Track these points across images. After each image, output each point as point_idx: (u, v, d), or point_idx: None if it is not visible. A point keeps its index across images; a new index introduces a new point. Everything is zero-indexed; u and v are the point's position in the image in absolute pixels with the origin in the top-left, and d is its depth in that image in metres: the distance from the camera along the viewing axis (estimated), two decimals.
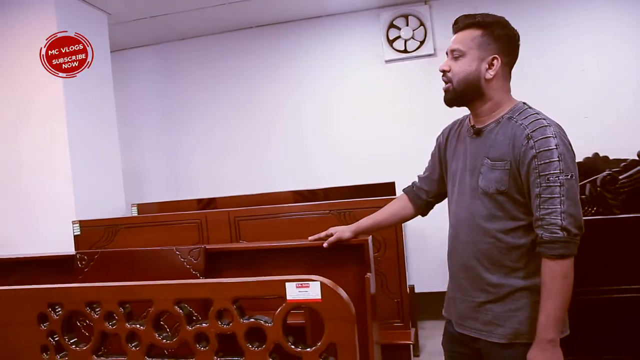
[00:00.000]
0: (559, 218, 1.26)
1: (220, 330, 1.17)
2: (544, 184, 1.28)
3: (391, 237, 2.22)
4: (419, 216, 1.72)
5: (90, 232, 2.58)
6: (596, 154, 3.57)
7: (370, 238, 1.71)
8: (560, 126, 1.36)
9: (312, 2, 3.92)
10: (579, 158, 3.61)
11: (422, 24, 4.03)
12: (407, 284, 3.49)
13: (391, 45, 4.08)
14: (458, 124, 1.58)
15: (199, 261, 1.82)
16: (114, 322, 1.23)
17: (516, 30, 1.45)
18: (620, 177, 2.25)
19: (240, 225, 2.36)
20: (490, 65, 1.40)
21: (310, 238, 1.70)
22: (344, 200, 2.29)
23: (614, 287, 1.90)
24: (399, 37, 4.07)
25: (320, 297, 1.13)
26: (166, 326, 1.36)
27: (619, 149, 3.49)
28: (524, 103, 1.45)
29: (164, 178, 4.46)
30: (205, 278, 1.80)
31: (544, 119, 1.35)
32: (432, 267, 3.96)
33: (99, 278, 1.81)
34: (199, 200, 3.32)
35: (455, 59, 1.43)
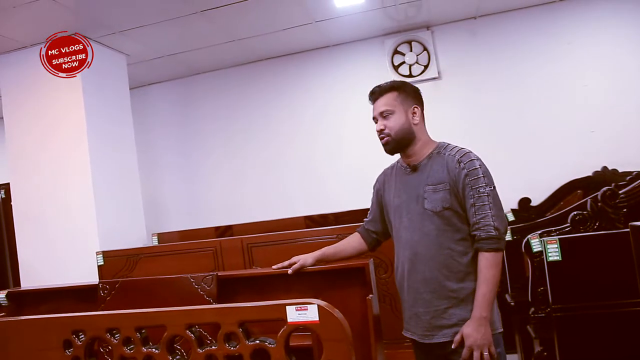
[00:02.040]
0: (491, 220, 1.60)
1: (228, 352, 1.26)
2: (476, 195, 1.62)
3: None
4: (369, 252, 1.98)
5: (113, 261, 2.72)
6: (605, 168, 3.61)
7: (371, 261, 1.80)
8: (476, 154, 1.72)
9: (318, 33, 4.09)
10: (588, 172, 3.69)
11: (425, 48, 4.16)
12: None
13: (396, 71, 4.21)
14: (389, 170, 1.92)
15: (211, 288, 1.93)
16: (132, 346, 1.34)
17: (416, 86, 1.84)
18: (620, 191, 2.29)
19: (252, 252, 2.47)
20: (414, 113, 1.77)
21: (273, 267, 1.87)
22: (349, 225, 2.39)
23: (606, 302, 1.95)
24: (403, 62, 4.21)
25: (317, 319, 1.21)
26: (182, 350, 1.46)
27: (627, 162, 3.52)
28: (443, 142, 1.80)
29: (183, 207, 4.64)
30: (218, 303, 1.91)
31: (465, 149, 1.72)
32: None
33: (120, 306, 1.93)
34: (217, 228, 3.45)
35: (386, 117, 1.76)
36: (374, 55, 4.30)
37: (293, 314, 1.28)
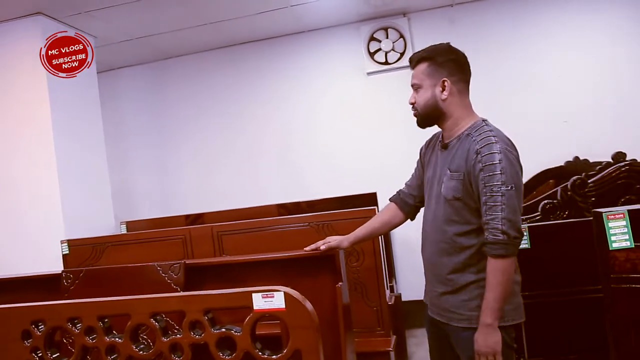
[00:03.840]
0: (500, 223, 1.47)
1: (193, 341, 1.23)
2: (489, 194, 1.48)
3: (369, 246, 2.29)
4: (409, 220, 1.90)
5: (79, 250, 2.64)
6: (577, 158, 3.68)
7: (342, 250, 1.79)
8: (509, 143, 1.56)
9: (293, 18, 4.02)
10: (560, 162, 3.75)
11: (401, 36, 4.14)
12: (395, 291, 3.58)
13: (372, 58, 4.19)
14: (435, 137, 1.80)
15: (179, 276, 1.89)
16: (94, 336, 1.29)
17: (460, 52, 1.68)
18: (589, 180, 2.33)
19: (222, 240, 2.43)
20: (443, 87, 1.62)
21: (306, 248, 1.81)
22: (321, 213, 2.37)
23: (567, 289, 1.98)
24: (379, 49, 4.19)
25: (284, 307, 1.19)
26: (148, 339, 1.42)
27: (599, 153, 3.58)
28: (484, 120, 1.65)
29: (153, 195, 4.55)
30: (185, 292, 1.87)
31: (493, 137, 1.54)
32: (420, 275, 4.01)
33: (85, 295, 1.87)
34: (187, 216, 3.39)
35: (417, 91, 1.66)
36: (350, 41, 4.26)
37: (259, 302, 1.26)
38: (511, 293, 1.55)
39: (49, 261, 2.94)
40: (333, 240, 1.79)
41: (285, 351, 1.18)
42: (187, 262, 1.89)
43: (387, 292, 2.93)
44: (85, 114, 3.58)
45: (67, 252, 2.65)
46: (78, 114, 3.51)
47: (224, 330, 1.22)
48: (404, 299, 3.93)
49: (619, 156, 2.97)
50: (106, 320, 1.31)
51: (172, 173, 4.56)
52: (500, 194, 1.46)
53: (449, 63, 1.63)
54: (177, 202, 4.38)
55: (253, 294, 1.22)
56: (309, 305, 1.19)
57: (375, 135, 4.22)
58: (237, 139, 4.46)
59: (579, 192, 2.33)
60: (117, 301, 1.31)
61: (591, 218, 2.14)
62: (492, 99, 3.96)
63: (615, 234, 1.58)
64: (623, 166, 2.35)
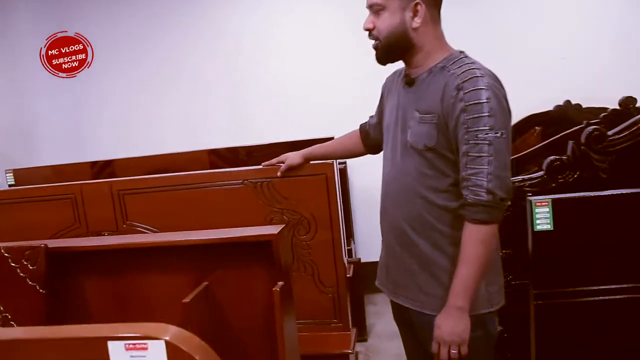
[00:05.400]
0: (485, 180, 1.17)
1: None
2: (472, 141, 1.18)
3: (324, 214, 1.69)
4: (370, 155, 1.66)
5: None
6: (568, 102, 3.15)
7: (282, 227, 1.19)
8: (497, 78, 1.25)
9: None
10: (549, 105, 3.23)
11: None
12: (354, 255, 3.07)
13: None
14: (398, 73, 1.45)
15: (37, 267, 1.25)
16: None
17: None
18: (610, 132, 1.80)
19: (126, 201, 1.77)
20: (415, 12, 1.27)
21: (263, 164, 1.74)
22: (259, 167, 1.73)
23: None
24: None
25: None
26: None
27: (594, 97, 3.07)
28: (461, 52, 1.32)
29: (60, 136, 3.65)
30: (47, 291, 1.25)
31: (478, 69, 1.23)
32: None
33: None
34: (93, 164, 2.67)
35: (377, 13, 1.30)
36: None
37: (120, 356, 0.68)
38: (493, 270, 1.30)
39: None
40: (286, 157, 1.69)
41: None
42: (49, 245, 1.25)
43: (345, 262, 2.40)
44: None
45: None
46: None
47: None
48: (362, 259, 3.48)
49: (628, 102, 2.47)
50: None
51: (88, 109, 3.69)
52: (487, 142, 1.17)
53: None
54: (92, 147, 3.56)
55: (109, 342, 0.68)
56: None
57: (335, 68, 3.52)
58: (170, 70, 3.62)
59: (595, 148, 1.80)
60: None
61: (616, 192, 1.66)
62: (469, 31, 3.33)
63: None
64: None
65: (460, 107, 1.19)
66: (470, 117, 1.17)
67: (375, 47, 1.33)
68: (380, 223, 1.44)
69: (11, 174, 2.70)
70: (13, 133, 3.25)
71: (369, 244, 3.55)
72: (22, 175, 2.68)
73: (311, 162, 1.73)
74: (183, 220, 1.76)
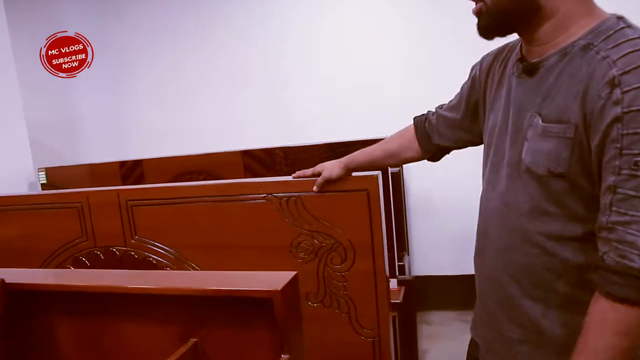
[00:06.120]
0: None
1: None
2: (626, 171, 0.75)
3: (364, 240, 1.34)
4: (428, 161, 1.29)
5: None
6: None
7: (291, 277, 0.87)
8: None
9: None
10: None
11: None
12: (407, 272, 2.67)
13: None
14: (507, 50, 1.02)
15: None
16: None
17: None
18: None
19: (134, 213, 1.53)
20: None
21: (294, 175, 1.42)
22: (283, 179, 1.40)
23: None
24: None
25: None
26: None
27: None
28: (620, 18, 0.84)
29: (102, 132, 3.52)
30: (3, 333, 1.01)
31: None
32: (440, 244, 3.11)
33: None
34: (122, 163, 2.48)
35: None
36: None
37: None
38: None
39: None
40: (323, 168, 1.36)
41: None
42: (7, 281, 1.00)
43: (394, 285, 2.05)
44: None
45: None
46: None
47: None
48: (417, 272, 3.09)
49: None
50: None
51: (127, 107, 3.53)
52: None
53: None
54: (132, 141, 3.40)
55: None
56: None
57: (393, 65, 3.08)
58: (214, 66, 3.38)
59: None
60: None
61: None
62: None
63: None
64: None
65: (614, 115, 0.76)
66: (629, 131, 0.75)
67: (479, 12, 0.91)
68: (474, 262, 1.07)
69: (43, 172, 2.58)
70: (48, 130, 3.16)
71: (425, 255, 3.16)
72: (53, 174, 2.55)
73: (353, 173, 1.37)
74: (195, 239, 1.50)
